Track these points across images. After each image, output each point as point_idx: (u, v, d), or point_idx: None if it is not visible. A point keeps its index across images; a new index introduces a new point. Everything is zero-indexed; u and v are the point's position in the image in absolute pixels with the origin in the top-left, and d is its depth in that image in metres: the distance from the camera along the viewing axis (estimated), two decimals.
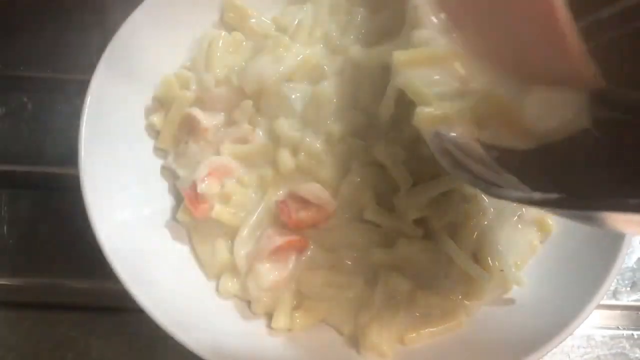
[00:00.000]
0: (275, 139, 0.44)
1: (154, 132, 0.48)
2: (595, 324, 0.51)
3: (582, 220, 0.29)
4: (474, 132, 0.34)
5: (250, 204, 0.44)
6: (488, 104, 0.34)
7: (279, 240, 0.42)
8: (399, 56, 0.36)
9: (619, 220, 0.25)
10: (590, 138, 0.34)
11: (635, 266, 0.53)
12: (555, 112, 0.34)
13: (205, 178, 0.43)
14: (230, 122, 0.46)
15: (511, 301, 0.44)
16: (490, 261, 0.42)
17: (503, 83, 0.35)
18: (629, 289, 0.52)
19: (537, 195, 0.27)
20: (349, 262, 0.42)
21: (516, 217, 0.45)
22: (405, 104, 0.42)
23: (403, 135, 0.44)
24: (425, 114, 0.34)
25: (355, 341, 0.42)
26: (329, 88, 0.44)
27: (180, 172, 0.46)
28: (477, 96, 0.34)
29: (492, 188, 0.30)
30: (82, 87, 0.44)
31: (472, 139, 0.34)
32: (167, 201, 0.47)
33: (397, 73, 0.36)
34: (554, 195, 0.27)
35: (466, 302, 0.43)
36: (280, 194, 0.43)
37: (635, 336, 0.50)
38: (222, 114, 0.46)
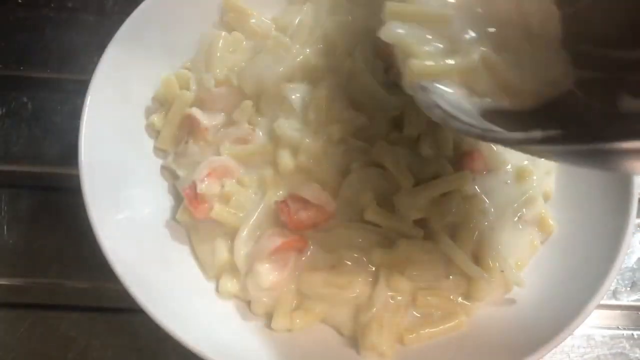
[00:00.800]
0: (275, 140, 0.44)
1: (154, 132, 0.48)
2: (595, 324, 0.51)
3: (587, 159, 0.28)
4: (463, 89, 0.34)
5: (250, 205, 0.43)
6: (478, 64, 0.34)
7: (279, 240, 0.42)
8: (392, 7, 0.35)
9: (628, 152, 0.24)
10: (574, 98, 0.34)
11: (635, 266, 0.53)
12: (540, 72, 0.34)
13: (205, 178, 0.43)
14: (230, 122, 0.46)
15: (511, 301, 0.44)
16: (490, 262, 0.42)
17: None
18: (629, 289, 0.52)
19: (539, 134, 0.26)
20: (349, 263, 0.42)
21: (517, 218, 0.45)
22: (406, 105, 0.42)
23: (403, 136, 0.44)
24: (420, 65, 0.34)
25: (355, 341, 0.42)
26: (329, 88, 0.44)
27: (180, 172, 0.46)
28: (467, 56, 0.34)
29: (489, 132, 0.30)
30: (82, 87, 0.44)
31: (460, 94, 0.34)
32: (167, 201, 0.47)
33: (385, 23, 0.35)
34: (556, 132, 0.25)
35: (466, 302, 0.43)
36: (280, 194, 0.43)
37: (635, 336, 0.50)
38: (222, 114, 0.46)
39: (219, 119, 0.46)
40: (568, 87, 0.34)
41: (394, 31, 0.35)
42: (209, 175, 0.43)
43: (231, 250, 0.43)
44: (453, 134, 0.44)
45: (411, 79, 0.34)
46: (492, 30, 0.35)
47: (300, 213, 0.42)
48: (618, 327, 0.51)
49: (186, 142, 0.46)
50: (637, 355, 0.50)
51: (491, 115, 0.33)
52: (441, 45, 0.35)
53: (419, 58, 0.34)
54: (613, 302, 0.52)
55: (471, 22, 0.35)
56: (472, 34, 0.35)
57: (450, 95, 0.34)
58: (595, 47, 0.35)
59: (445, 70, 0.34)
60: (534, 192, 0.45)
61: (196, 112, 0.45)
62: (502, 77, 0.34)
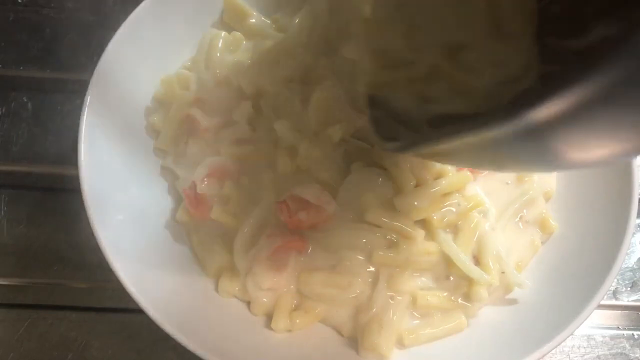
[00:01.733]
0: (275, 140, 0.44)
1: (154, 132, 0.48)
2: (595, 324, 0.51)
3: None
4: (414, 96, 0.34)
5: (250, 205, 0.43)
6: (428, 74, 0.33)
7: (279, 240, 0.41)
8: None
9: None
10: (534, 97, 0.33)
11: (635, 266, 0.53)
12: (502, 71, 0.34)
13: (205, 178, 0.43)
14: (230, 123, 0.46)
15: (512, 301, 0.44)
16: (491, 263, 0.42)
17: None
18: (629, 289, 0.52)
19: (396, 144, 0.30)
20: (349, 263, 0.42)
21: (518, 218, 0.45)
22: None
23: None
24: (368, 77, 0.35)
25: (355, 342, 0.42)
26: (329, 89, 0.44)
27: (180, 173, 0.46)
28: (415, 67, 0.34)
29: (387, 144, 0.33)
30: (82, 87, 0.44)
31: (409, 102, 0.34)
32: (167, 201, 0.46)
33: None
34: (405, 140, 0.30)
35: (466, 303, 0.43)
36: (280, 194, 0.43)
37: (636, 336, 0.50)
38: (222, 114, 0.46)
39: (219, 119, 0.46)
40: (531, 83, 0.34)
41: (355, 47, 0.36)
42: (208, 175, 0.43)
43: (231, 250, 0.43)
44: None
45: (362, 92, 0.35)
46: (453, 31, 0.34)
47: (300, 213, 0.41)
48: (618, 327, 0.51)
49: (186, 143, 0.46)
50: (638, 355, 0.50)
51: (442, 120, 0.32)
52: (401, 55, 0.34)
53: (370, 69, 0.34)
54: (613, 302, 0.51)
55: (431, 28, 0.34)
56: (429, 40, 0.34)
57: (397, 104, 0.34)
58: (558, 39, 0.34)
59: (392, 82, 0.34)
60: (534, 192, 0.45)
61: (196, 112, 0.45)
62: (456, 81, 0.33)
